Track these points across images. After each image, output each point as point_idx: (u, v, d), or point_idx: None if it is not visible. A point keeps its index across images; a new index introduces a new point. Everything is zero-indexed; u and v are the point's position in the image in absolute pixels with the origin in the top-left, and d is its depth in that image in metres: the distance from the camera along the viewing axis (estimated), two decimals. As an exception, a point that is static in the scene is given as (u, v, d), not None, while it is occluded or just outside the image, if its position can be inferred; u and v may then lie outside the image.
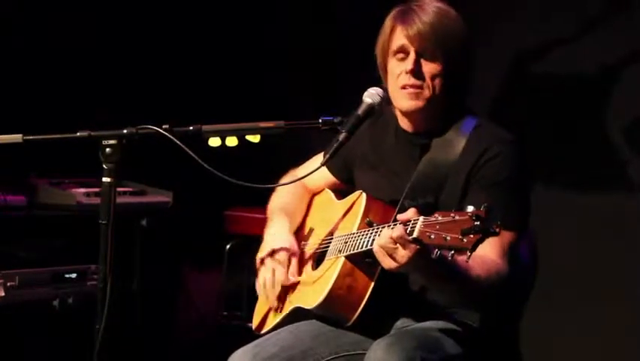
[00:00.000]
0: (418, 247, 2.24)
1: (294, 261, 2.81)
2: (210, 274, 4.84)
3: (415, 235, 2.22)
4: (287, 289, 2.82)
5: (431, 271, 2.34)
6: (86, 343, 2.56)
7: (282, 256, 2.80)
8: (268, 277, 2.79)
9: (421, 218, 2.22)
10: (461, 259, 2.21)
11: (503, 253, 2.49)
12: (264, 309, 2.91)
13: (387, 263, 2.31)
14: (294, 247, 2.83)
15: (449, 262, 2.22)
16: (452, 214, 2.18)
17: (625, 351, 4.03)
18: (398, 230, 2.26)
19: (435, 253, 2.19)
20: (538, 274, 2.81)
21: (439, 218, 2.19)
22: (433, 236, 2.19)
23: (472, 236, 2.13)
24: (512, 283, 2.57)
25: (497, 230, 2.14)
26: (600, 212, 4.07)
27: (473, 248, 2.14)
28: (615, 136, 4.07)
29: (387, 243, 2.29)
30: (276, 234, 2.87)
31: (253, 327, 2.94)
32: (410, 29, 2.57)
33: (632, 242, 4.00)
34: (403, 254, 2.27)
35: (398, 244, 2.26)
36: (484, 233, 2.13)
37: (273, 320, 2.85)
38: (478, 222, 2.12)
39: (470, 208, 2.15)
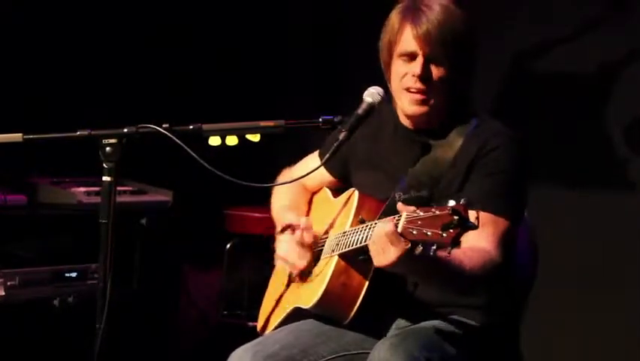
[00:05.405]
0: (405, 242, 2.21)
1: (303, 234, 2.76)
2: (210, 273, 4.84)
3: (398, 230, 2.20)
4: (288, 290, 2.83)
5: (417, 265, 2.30)
6: (86, 342, 2.56)
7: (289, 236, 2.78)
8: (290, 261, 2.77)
9: (405, 214, 2.21)
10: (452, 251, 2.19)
11: (497, 241, 2.47)
12: (267, 310, 2.92)
13: (379, 260, 2.29)
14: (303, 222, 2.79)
15: (433, 257, 2.19)
16: (433, 209, 2.16)
17: (625, 351, 4.03)
18: (389, 226, 2.23)
19: (418, 248, 2.18)
20: (538, 274, 2.81)
21: (421, 213, 2.17)
22: (415, 232, 2.17)
23: (451, 231, 2.12)
24: (512, 281, 2.57)
25: (476, 224, 2.13)
26: (600, 212, 4.07)
27: (453, 243, 2.13)
28: (615, 136, 4.08)
29: (380, 239, 2.27)
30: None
31: (258, 328, 2.95)
32: (420, 30, 2.54)
33: (632, 242, 4.00)
34: (393, 250, 2.24)
35: (389, 241, 2.24)
36: (462, 228, 2.12)
37: (275, 321, 2.86)
38: (457, 217, 2.11)
39: (451, 203, 2.14)
